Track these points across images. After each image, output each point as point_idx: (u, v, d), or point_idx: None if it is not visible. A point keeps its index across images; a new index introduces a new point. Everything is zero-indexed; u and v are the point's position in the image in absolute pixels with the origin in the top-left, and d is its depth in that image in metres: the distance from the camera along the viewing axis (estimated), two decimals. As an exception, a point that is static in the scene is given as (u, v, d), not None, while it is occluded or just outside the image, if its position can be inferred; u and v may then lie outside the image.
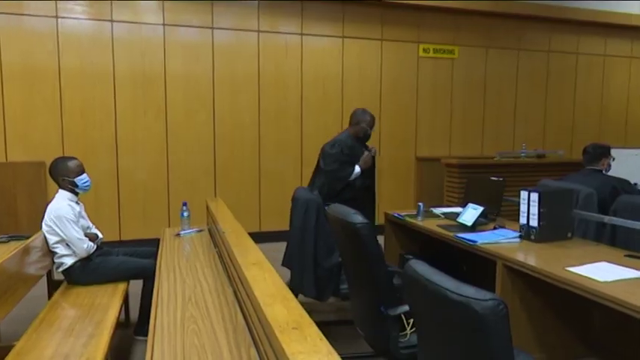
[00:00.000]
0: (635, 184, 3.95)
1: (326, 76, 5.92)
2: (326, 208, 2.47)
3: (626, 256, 2.45)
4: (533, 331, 2.58)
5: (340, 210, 2.24)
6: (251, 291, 1.53)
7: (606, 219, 2.84)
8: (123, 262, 2.99)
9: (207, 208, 3.61)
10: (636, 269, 2.17)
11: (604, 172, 3.69)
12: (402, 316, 2.10)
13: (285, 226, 3.05)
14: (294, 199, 2.99)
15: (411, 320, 2.10)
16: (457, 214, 3.30)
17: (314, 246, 2.77)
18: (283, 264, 3.15)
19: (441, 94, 6.45)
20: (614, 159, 3.79)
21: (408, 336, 2.11)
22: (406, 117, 6.30)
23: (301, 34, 5.77)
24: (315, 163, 3.80)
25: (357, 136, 3.65)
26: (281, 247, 3.21)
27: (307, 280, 2.78)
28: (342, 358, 2.94)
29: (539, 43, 6.92)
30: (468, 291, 1.41)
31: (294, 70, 5.79)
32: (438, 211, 3.77)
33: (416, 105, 6.31)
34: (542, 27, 6.86)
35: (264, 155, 5.74)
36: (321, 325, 3.46)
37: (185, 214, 3.47)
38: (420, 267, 1.62)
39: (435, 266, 1.55)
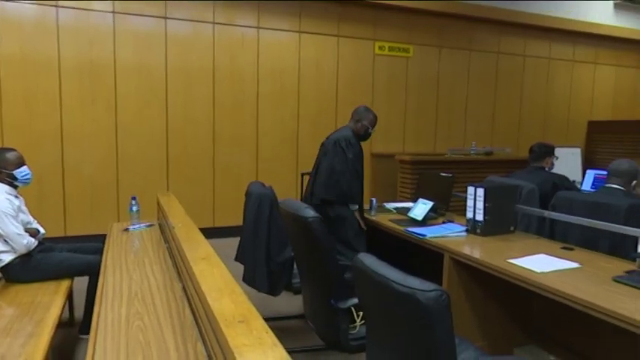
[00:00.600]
0: (574, 180, 4.19)
1: (283, 70, 5.89)
2: (279, 202, 2.46)
3: (562, 248, 2.59)
4: (476, 320, 2.69)
5: (292, 204, 2.25)
6: (199, 286, 1.51)
7: (546, 213, 2.99)
8: (66, 259, 2.87)
9: (158, 202, 3.52)
10: (570, 260, 2.30)
11: (547, 169, 3.89)
12: (352, 308, 2.13)
13: (240, 221, 3.02)
14: (247, 194, 2.97)
15: (361, 312, 2.14)
16: (408, 209, 3.38)
17: (267, 240, 2.76)
18: (236, 259, 3.12)
19: (395, 91, 6.57)
20: (557, 158, 3.99)
21: (357, 328, 2.14)
22: (362, 113, 6.37)
23: (258, 28, 5.71)
24: (313, 165, 3.48)
25: (358, 133, 3.41)
26: (236, 242, 3.18)
27: (260, 275, 2.76)
28: (293, 351, 2.96)
29: (489, 44, 7.17)
30: (413, 282, 1.45)
31: (251, 64, 5.72)
32: (391, 206, 3.85)
33: (372, 101, 6.39)
34: (492, 29, 7.11)
35: (218, 149, 5.65)
36: (274, 320, 3.46)
37: (134, 208, 3.37)
38: (368, 260, 1.66)
39: (388, 260, 1.59)
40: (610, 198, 2.73)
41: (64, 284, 2.70)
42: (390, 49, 6.44)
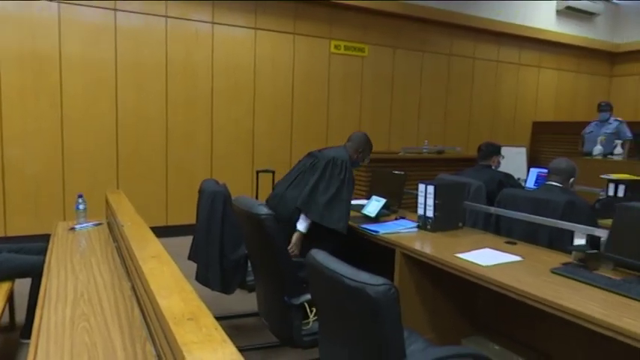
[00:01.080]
0: (519, 178, 4.39)
1: (238, 67, 5.83)
2: (232, 199, 2.44)
3: (506, 242, 2.72)
4: (426, 313, 2.78)
5: (245, 201, 2.24)
6: (147, 284, 1.48)
7: (492, 210, 3.12)
8: (7, 260, 2.72)
9: (107, 200, 3.40)
10: (513, 254, 2.42)
11: (494, 167, 4.06)
12: (306, 304, 2.15)
13: (194, 219, 2.97)
14: (200, 192, 2.93)
15: (315, 308, 2.16)
16: (362, 206, 3.44)
17: (220, 238, 2.73)
18: (190, 258, 3.07)
19: (351, 90, 6.65)
20: (503, 157, 4.18)
21: (310, 324, 2.16)
22: (318, 111, 6.40)
23: (212, 23, 5.62)
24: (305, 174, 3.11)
25: (352, 159, 3.20)
26: (189, 241, 3.13)
27: (213, 273, 2.73)
28: (247, 349, 2.95)
29: (442, 46, 7.38)
30: (364, 277, 1.48)
31: (205, 60, 5.63)
32: (345, 203, 3.88)
33: (327, 100, 6.45)
34: (444, 32, 7.33)
35: (171, 146, 5.52)
36: (228, 318, 3.43)
37: (81, 206, 3.24)
38: (321, 256, 1.68)
39: (344, 257, 1.61)
40: (549, 194, 2.89)
41: (4, 287, 2.57)
42: (346, 48, 6.51)
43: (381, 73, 6.87)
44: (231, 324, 3.19)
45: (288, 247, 2.76)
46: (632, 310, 1.71)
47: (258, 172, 5.60)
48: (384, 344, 1.52)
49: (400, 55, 7.01)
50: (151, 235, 2.16)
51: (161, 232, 2.38)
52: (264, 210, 2.07)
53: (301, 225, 2.84)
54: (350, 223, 3.16)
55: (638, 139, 5.72)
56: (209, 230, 2.76)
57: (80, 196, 3.29)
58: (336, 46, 6.43)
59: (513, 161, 7.17)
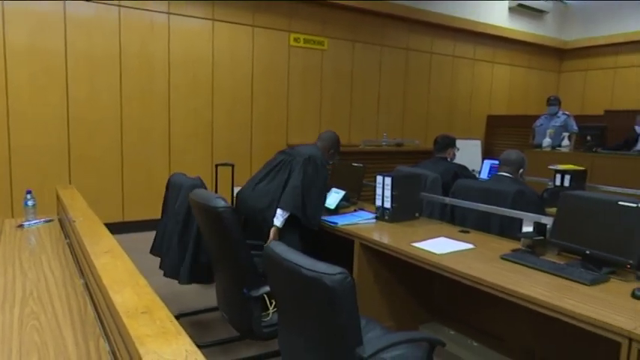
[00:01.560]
0: (473, 170, 4.54)
1: (196, 59, 5.72)
2: (190, 194, 2.41)
3: (460, 231, 2.82)
4: (385, 302, 2.85)
5: (202, 194, 2.22)
6: (100, 279, 1.45)
7: (447, 200, 3.22)
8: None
9: (58, 196, 3.27)
10: (466, 242, 2.52)
11: (449, 159, 4.18)
12: (265, 296, 2.16)
13: (152, 214, 2.90)
14: (172, 185, 2.90)
15: (274, 300, 2.17)
16: (322, 199, 3.46)
17: (197, 232, 2.69)
18: (152, 251, 3.02)
19: (311, 83, 6.66)
20: (458, 149, 4.30)
21: (270, 315, 2.18)
22: (278, 104, 6.38)
23: (168, 13, 5.48)
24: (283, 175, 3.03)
25: (326, 161, 3.22)
26: (148, 236, 3.06)
27: (185, 267, 2.71)
28: (208, 345, 2.92)
29: (400, 41, 7.50)
30: (321, 267, 1.51)
31: (161, 51, 5.49)
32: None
33: (287, 92, 6.43)
34: (402, 27, 7.44)
35: (127, 140, 5.36)
36: (189, 315, 3.38)
37: (29, 202, 3.10)
38: (279, 248, 1.69)
39: (306, 249, 1.63)
40: (500, 185, 3.01)
41: (-54, 288, 2.43)
42: (305, 41, 6.50)
43: (340, 66, 6.91)
44: (192, 320, 3.16)
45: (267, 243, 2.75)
46: (574, 292, 1.82)
47: (217, 166, 5.52)
48: (341, 332, 1.55)
49: (359, 49, 7.07)
50: (104, 230, 2.11)
51: (117, 228, 2.33)
52: (221, 203, 2.05)
53: (278, 220, 2.82)
54: (310, 215, 3.17)
55: (583, 132, 6.02)
56: (187, 224, 2.72)
57: (29, 192, 3.15)
58: (295, 39, 6.41)
59: (469, 153, 7.39)
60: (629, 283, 1.89)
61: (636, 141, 5.78)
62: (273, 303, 2.18)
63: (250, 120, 6.16)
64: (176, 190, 2.89)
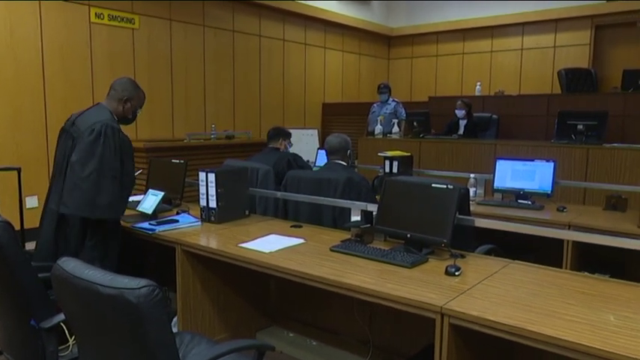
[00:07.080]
0: (308, 160, 4.78)
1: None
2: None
3: (292, 226, 2.94)
4: (215, 312, 2.83)
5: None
6: None
7: (279, 194, 3.32)
8: None
9: None
10: (297, 237, 2.63)
11: (282, 151, 4.32)
12: (62, 325, 1.97)
13: None
14: None
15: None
16: (138, 203, 3.29)
17: None
18: None
19: (121, 67, 6.21)
20: (292, 145, 4.47)
21: (70, 347, 2.00)
22: (79, 92, 5.82)
23: None
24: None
25: (121, 116, 2.77)
26: None
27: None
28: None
29: (224, 21, 7.47)
30: (121, 282, 1.43)
31: None
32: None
33: (92, 78, 5.92)
34: (225, 5, 7.42)
35: None
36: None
37: None
38: (70, 265, 1.55)
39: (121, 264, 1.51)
40: (331, 173, 3.21)
41: None
42: (111, 17, 6.05)
43: (157, 48, 6.60)
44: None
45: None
46: (397, 276, 2.04)
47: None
48: (154, 354, 1.49)
49: (178, 29, 6.85)
50: None
51: None
52: (-6, 218, 1.80)
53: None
54: (122, 222, 2.97)
55: (410, 118, 6.77)
56: None
57: None
58: (97, 15, 5.92)
59: (306, 143, 7.76)
60: (444, 261, 2.19)
61: (458, 125, 6.70)
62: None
63: (44, 113, 5.52)
64: None
